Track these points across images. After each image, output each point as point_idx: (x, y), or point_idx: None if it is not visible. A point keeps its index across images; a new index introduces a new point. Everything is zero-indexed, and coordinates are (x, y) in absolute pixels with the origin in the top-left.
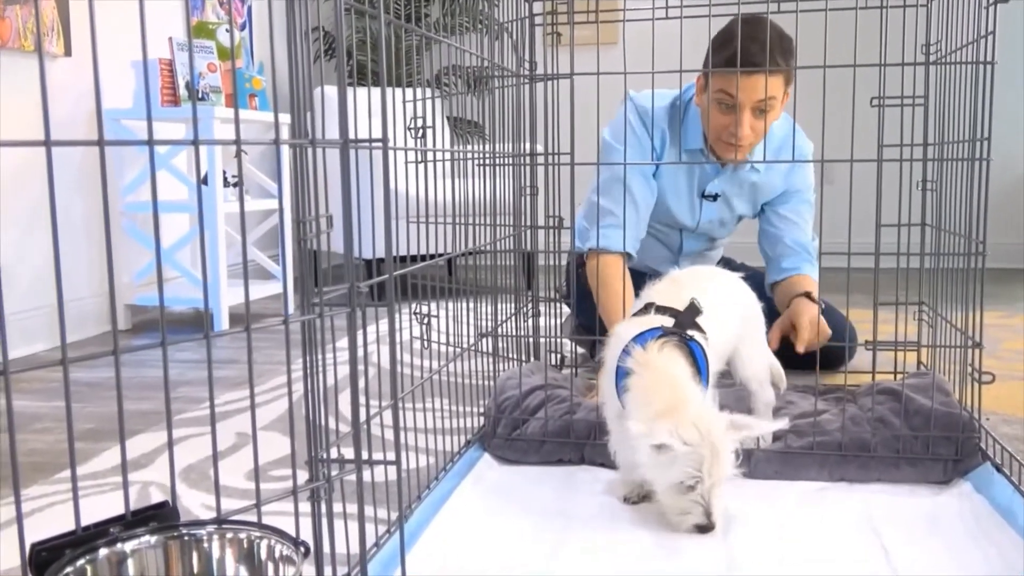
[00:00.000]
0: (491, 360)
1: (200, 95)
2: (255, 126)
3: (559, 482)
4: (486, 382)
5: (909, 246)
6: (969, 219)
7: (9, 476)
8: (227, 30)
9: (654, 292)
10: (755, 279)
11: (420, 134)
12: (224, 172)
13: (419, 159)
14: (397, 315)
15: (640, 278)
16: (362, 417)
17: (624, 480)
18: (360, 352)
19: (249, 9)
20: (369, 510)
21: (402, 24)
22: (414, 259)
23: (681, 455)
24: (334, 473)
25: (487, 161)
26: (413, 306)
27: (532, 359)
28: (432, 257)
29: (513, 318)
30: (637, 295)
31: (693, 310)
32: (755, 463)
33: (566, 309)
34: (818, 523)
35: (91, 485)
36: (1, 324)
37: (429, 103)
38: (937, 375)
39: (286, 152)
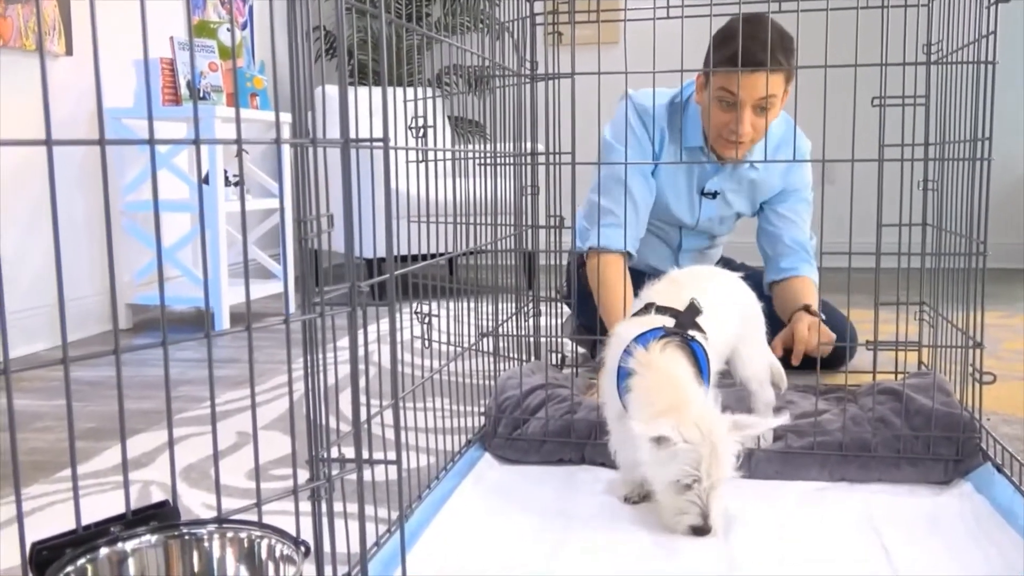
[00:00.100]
0: (492, 360)
1: (201, 94)
2: (256, 125)
3: (560, 482)
4: (487, 382)
5: (910, 246)
6: (970, 219)
7: (10, 475)
8: (228, 29)
9: (653, 292)
10: (755, 279)
11: (421, 133)
12: (225, 171)
13: (420, 158)
14: (398, 314)
15: (640, 277)
16: (363, 416)
17: (625, 480)
18: (361, 351)
19: (250, 8)
20: (369, 509)
21: (403, 23)
22: (415, 258)
23: (680, 451)
24: (335, 472)
25: (488, 161)
26: (414, 305)
27: (533, 359)
28: (433, 257)
29: (514, 318)
30: (637, 295)
31: (693, 310)
32: (756, 463)
33: (567, 309)
34: (819, 523)
35: (92, 484)
36: (2, 323)
37: (430, 102)
38: (938, 375)
39: (287, 151)
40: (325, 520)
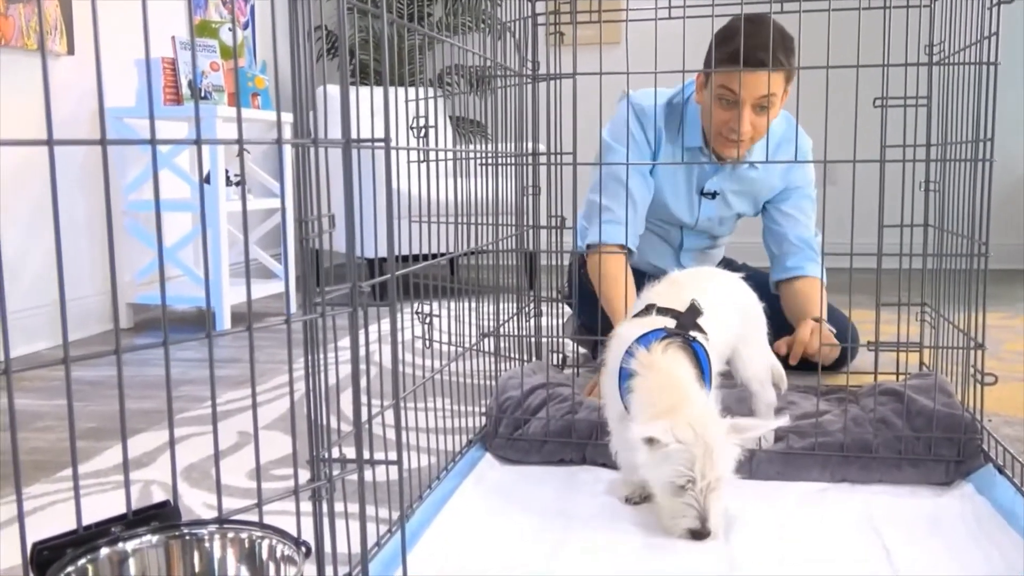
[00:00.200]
0: (493, 360)
1: (203, 94)
2: (257, 125)
3: (560, 482)
4: (488, 382)
5: (911, 247)
6: (972, 220)
7: (11, 474)
8: (230, 29)
9: (654, 294)
10: (756, 279)
11: (422, 133)
12: (226, 171)
13: (421, 159)
14: (399, 314)
15: (641, 277)
16: (364, 416)
17: (626, 480)
18: (362, 351)
19: (252, 8)
20: (370, 510)
21: (405, 23)
22: (416, 259)
23: (673, 452)
24: (335, 473)
25: (489, 161)
26: (415, 306)
27: (534, 359)
28: (434, 257)
29: (515, 318)
30: (638, 295)
31: (694, 311)
32: (757, 463)
33: (568, 309)
34: (819, 524)
35: (93, 484)
36: (3, 322)
37: (431, 103)
38: (939, 376)
39: (288, 151)
40: (326, 520)
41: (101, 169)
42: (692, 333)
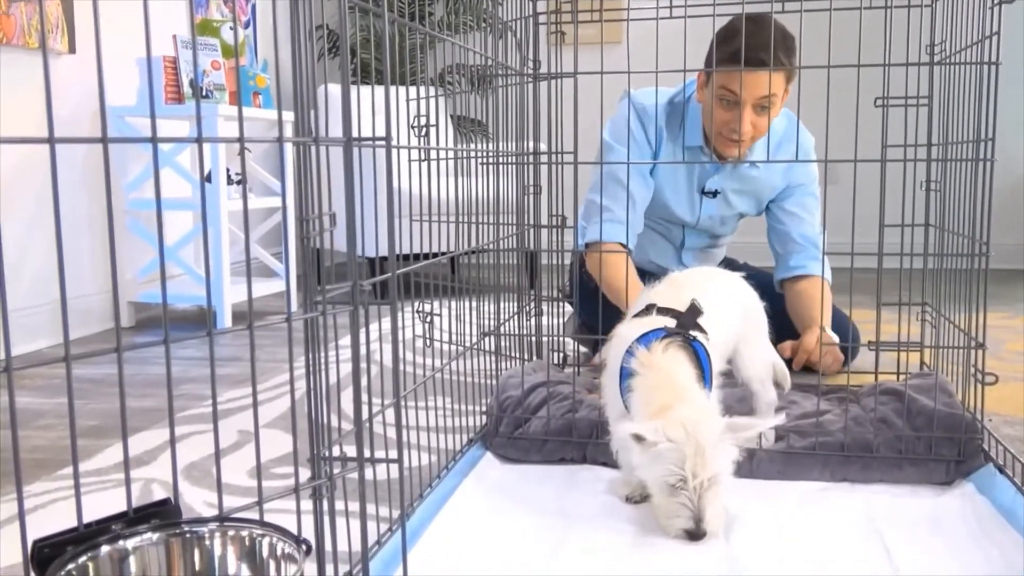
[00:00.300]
0: (493, 359)
1: (204, 93)
2: (259, 124)
3: (561, 481)
4: (488, 381)
5: (912, 246)
6: (972, 220)
7: (11, 472)
8: (231, 28)
9: (654, 294)
10: (757, 279)
11: (423, 132)
12: (228, 170)
13: (422, 157)
14: (400, 313)
15: (642, 275)
16: (364, 415)
17: (626, 479)
18: (363, 350)
19: (253, 7)
20: (371, 508)
21: (406, 22)
22: (417, 257)
23: (664, 451)
24: (336, 471)
25: (490, 160)
26: (416, 304)
27: (534, 358)
28: (435, 256)
29: (516, 317)
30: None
31: (694, 311)
32: (757, 463)
33: (569, 308)
34: (820, 523)
35: (93, 482)
36: (4, 320)
37: (432, 101)
38: (940, 376)
39: (289, 150)
40: (326, 519)
41: (102, 167)
42: (692, 333)
